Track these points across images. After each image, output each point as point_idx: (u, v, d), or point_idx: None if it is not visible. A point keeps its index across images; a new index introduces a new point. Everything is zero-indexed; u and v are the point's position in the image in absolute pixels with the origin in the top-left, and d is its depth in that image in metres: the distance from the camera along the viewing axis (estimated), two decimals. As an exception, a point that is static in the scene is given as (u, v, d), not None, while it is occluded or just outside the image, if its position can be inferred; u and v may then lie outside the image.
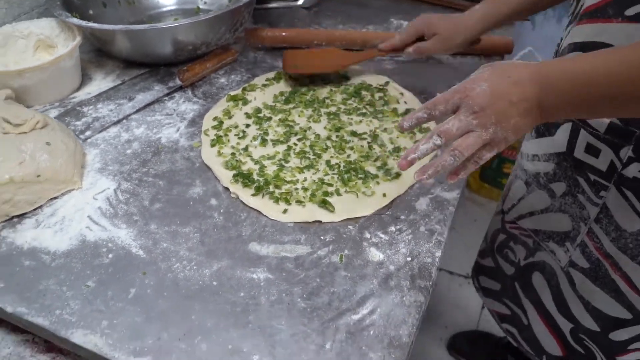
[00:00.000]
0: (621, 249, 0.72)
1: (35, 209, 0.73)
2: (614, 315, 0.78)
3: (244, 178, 0.76)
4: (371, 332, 0.59)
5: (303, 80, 0.96)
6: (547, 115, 0.57)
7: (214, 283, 0.64)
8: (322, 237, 0.70)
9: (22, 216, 0.72)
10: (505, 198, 0.94)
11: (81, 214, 0.73)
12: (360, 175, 0.77)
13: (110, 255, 0.67)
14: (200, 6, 1.17)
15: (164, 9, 1.16)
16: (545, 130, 0.80)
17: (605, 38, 0.62)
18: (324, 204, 0.72)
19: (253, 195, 0.74)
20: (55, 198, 0.75)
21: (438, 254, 0.68)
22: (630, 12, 0.59)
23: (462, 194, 0.78)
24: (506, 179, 1.91)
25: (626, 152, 0.66)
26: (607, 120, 0.67)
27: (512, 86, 0.57)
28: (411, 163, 0.61)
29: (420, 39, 0.89)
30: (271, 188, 0.75)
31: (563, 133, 0.75)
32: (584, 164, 0.73)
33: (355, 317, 0.61)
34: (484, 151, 0.60)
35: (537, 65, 0.57)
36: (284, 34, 1.04)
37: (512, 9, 0.82)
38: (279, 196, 0.73)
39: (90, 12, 1.04)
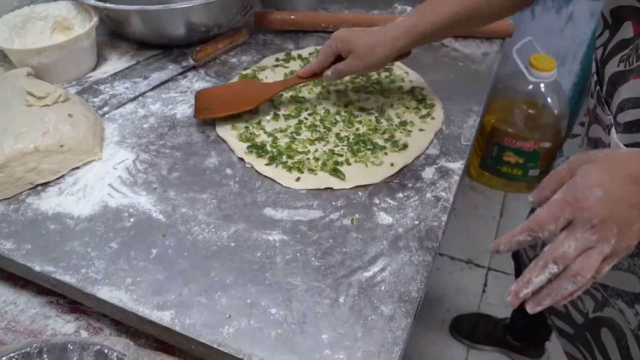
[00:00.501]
0: None
1: (58, 178, 0.76)
2: None
3: (258, 149, 0.79)
4: (382, 288, 0.63)
5: (311, 60, 0.99)
6: None
7: (232, 244, 0.67)
8: (333, 203, 0.73)
9: (45, 185, 0.76)
10: None
11: (102, 182, 0.76)
12: (369, 147, 0.80)
13: (131, 219, 0.70)
14: (210, -9, 1.19)
15: (176, -6, 1.19)
16: None
17: None
18: (335, 172, 0.76)
19: (267, 164, 0.77)
20: (77, 168, 0.78)
21: (444, 218, 0.71)
22: None
23: (466, 166, 0.82)
24: (506, 167, 1.95)
25: None
26: None
27: (631, 186, 0.48)
28: (524, 299, 0.50)
29: (338, 59, 0.83)
30: (284, 158, 0.78)
31: None
32: None
33: (367, 274, 0.64)
34: (604, 264, 0.49)
35: None
36: (292, 17, 1.07)
37: (441, 21, 0.76)
38: (292, 165, 0.77)
39: (105, -5, 1.07)
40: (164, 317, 0.59)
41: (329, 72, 0.83)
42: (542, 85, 1.77)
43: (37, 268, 0.65)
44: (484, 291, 1.72)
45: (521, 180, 1.97)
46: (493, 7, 0.75)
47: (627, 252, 0.50)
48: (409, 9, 1.18)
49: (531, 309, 0.50)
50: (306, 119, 0.86)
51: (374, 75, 0.95)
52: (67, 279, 0.64)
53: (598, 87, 0.69)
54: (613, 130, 0.63)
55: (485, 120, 1.91)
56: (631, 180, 0.48)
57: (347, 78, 0.95)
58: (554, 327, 0.94)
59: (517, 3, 0.75)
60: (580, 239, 0.48)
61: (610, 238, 0.48)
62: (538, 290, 0.49)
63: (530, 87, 1.79)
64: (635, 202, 0.48)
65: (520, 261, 0.95)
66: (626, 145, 0.61)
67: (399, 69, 0.98)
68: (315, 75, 0.86)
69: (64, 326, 0.67)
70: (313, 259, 0.66)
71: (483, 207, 1.98)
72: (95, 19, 0.94)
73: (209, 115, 0.85)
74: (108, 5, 0.94)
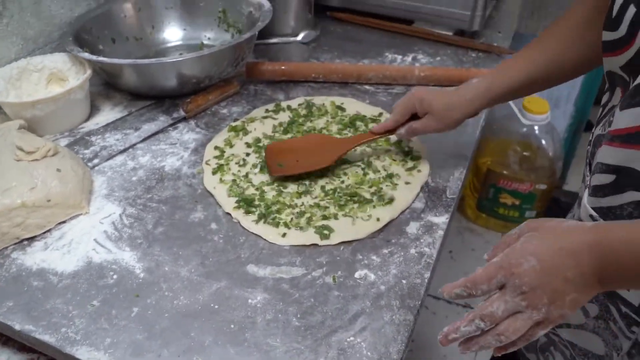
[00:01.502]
0: None
1: (44, 233, 0.77)
2: None
3: (247, 204, 0.79)
4: (362, 349, 0.62)
5: (300, 112, 1.01)
6: (607, 287, 0.51)
7: (213, 302, 0.67)
8: (316, 260, 0.73)
9: (31, 239, 0.76)
10: None
11: (88, 237, 0.76)
12: (356, 200, 0.81)
13: (114, 276, 0.71)
14: (204, 42, 1.22)
15: (170, 45, 1.22)
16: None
17: (638, 165, 0.55)
18: (321, 229, 0.76)
19: (254, 221, 0.77)
20: (64, 222, 0.79)
21: (427, 275, 0.71)
22: None
23: (451, 220, 0.82)
24: (503, 209, 1.95)
25: None
26: None
27: (567, 259, 0.50)
28: (453, 342, 0.56)
29: (413, 117, 0.84)
30: (273, 214, 0.78)
31: None
32: (614, 293, 0.64)
33: (347, 334, 0.64)
34: (537, 329, 0.53)
35: (595, 232, 0.50)
36: (283, 67, 1.09)
37: (514, 84, 0.76)
38: (279, 221, 0.77)
39: (100, 47, 1.10)
40: (141, 380, 0.59)
41: (402, 131, 0.85)
42: (536, 127, 1.79)
43: (17, 327, 0.65)
44: (481, 335, 1.69)
45: (518, 221, 1.95)
46: (566, 69, 0.74)
47: (563, 320, 0.52)
48: (399, 57, 1.20)
49: (460, 351, 0.56)
50: (293, 171, 0.87)
51: (362, 127, 0.96)
52: (47, 338, 0.63)
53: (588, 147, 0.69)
54: (586, 191, 0.64)
55: (481, 162, 1.92)
56: (567, 253, 0.50)
57: (334, 129, 0.96)
58: None
59: (587, 65, 0.74)
60: (510, 302, 0.51)
61: (540, 306, 0.50)
62: (472, 337, 0.54)
63: (525, 129, 1.80)
64: (569, 276, 0.49)
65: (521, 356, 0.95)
66: (593, 209, 0.62)
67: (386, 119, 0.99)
68: (388, 132, 0.87)
69: (43, 385, 0.67)
70: (294, 318, 0.65)
71: (480, 249, 1.97)
72: (88, 72, 0.96)
73: (284, 172, 0.85)
74: (102, 59, 0.97)
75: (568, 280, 0.50)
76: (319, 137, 0.93)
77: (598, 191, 0.60)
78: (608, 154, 0.58)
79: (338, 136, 0.94)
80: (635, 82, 0.55)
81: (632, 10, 0.54)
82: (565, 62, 0.73)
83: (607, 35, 0.58)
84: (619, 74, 0.60)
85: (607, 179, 0.59)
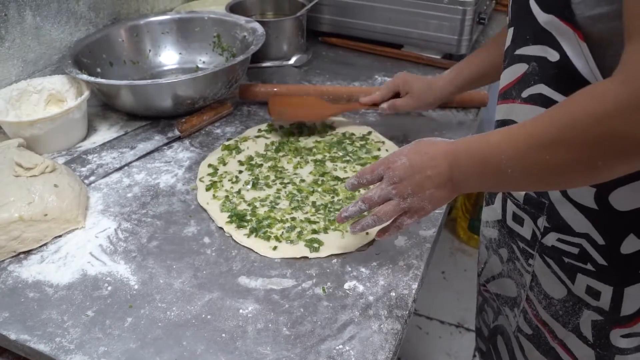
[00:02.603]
0: (553, 316, 0.73)
1: (41, 246, 0.79)
2: None
3: (239, 219, 0.82)
4: (351, 357, 0.64)
5: (292, 131, 1.04)
6: (459, 188, 0.63)
7: (205, 313, 0.69)
8: (307, 271, 0.75)
9: (28, 252, 0.78)
10: (478, 259, 0.95)
11: (83, 250, 0.78)
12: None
13: (109, 288, 0.72)
14: (199, 65, 1.26)
15: (166, 68, 1.25)
16: (489, 198, 0.83)
17: (514, 116, 0.68)
18: (311, 242, 0.78)
19: (246, 235, 0.80)
20: (60, 236, 0.80)
21: (414, 286, 0.73)
22: (524, 94, 0.64)
23: (439, 233, 0.84)
24: (494, 230, 1.97)
25: (542, 221, 0.69)
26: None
27: (429, 161, 0.63)
28: (345, 220, 0.72)
29: (396, 96, 1.01)
30: (264, 228, 0.80)
31: (498, 202, 0.79)
32: (513, 232, 0.75)
33: (336, 343, 0.65)
34: (404, 217, 0.68)
35: (451, 143, 0.64)
36: (275, 89, 1.13)
37: (474, 73, 0.94)
38: (270, 235, 0.79)
39: (98, 70, 1.13)
40: (134, 387, 0.60)
41: (385, 105, 1.01)
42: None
43: (13, 336, 0.66)
44: (474, 355, 1.70)
45: (509, 242, 1.98)
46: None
47: (425, 213, 0.67)
48: (388, 79, 1.23)
49: (350, 230, 0.72)
50: (284, 186, 0.89)
51: (349, 147, 0.99)
52: (42, 347, 0.65)
53: None
54: None
55: (472, 184, 1.94)
56: (429, 157, 0.63)
57: (324, 147, 0.99)
58: (477, 350, 1.03)
59: None
60: (384, 190, 0.66)
61: (406, 196, 0.65)
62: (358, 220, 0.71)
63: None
64: (429, 174, 0.63)
65: (475, 330, 1.02)
66: None
67: (376, 138, 1.02)
68: (374, 104, 1.03)
69: (37, 395, 0.68)
70: (284, 328, 0.67)
71: (472, 269, 1.98)
72: (86, 93, 0.99)
73: (284, 116, 1.03)
74: (99, 80, 1.00)
75: (428, 177, 0.63)
76: (315, 99, 1.09)
77: None
78: (498, 112, 0.73)
79: (327, 154, 0.97)
80: (505, 46, 0.68)
81: None
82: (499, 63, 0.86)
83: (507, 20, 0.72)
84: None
85: None
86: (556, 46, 0.58)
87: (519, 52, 0.64)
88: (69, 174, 0.86)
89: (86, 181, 0.91)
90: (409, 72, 1.02)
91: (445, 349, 1.72)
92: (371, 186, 0.71)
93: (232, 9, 1.31)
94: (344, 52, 1.38)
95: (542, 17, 0.58)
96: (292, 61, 1.30)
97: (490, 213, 0.83)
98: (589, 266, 0.66)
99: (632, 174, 0.54)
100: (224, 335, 0.66)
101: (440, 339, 1.75)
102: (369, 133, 1.04)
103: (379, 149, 0.99)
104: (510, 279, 0.80)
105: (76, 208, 0.81)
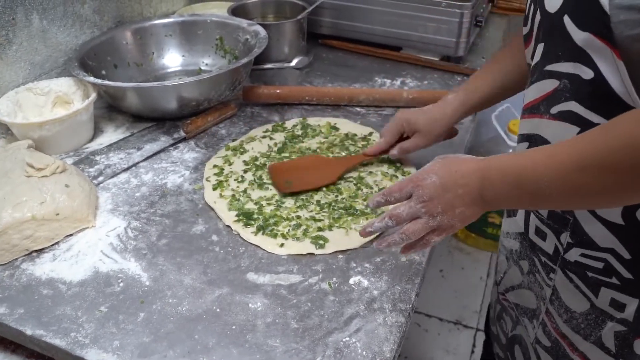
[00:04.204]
0: (574, 329, 0.73)
1: (52, 245, 0.81)
2: None
3: (246, 218, 0.84)
4: (357, 349, 0.66)
5: (295, 133, 1.06)
6: (489, 206, 0.63)
7: (215, 307, 0.71)
8: (313, 267, 0.77)
9: (40, 251, 0.80)
10: (496, 269, 0.95)
11: (94, 248, 0.80)
12: (351, 211, 0.85)
13: (121, 284, 0.74)
14: (202, 67, 1.28)
15: (169, 70, 1.27)
16: (510, 210, 0.83)
17: (541, 132, 0.67)
18: (317, 239, 0.80)
19: (253, 232, 0.82)
20: (71, 235, 0.82)
21: (417, 280, 0.75)
22: (553, 110, 0.64)
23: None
24: (492, 228, 2.00)
25: (565, 237, 0.69)
26: None
27: (460, 179, 0.63)
28: (369, 234, 0.72)
29: (402, 136, 0.94)
30: (270, 227, 0.83)
31: (520, 214, 0.78)
32: (535, 246, 0.75)
33: (343, 335, 0.67)
34: (432, 235, 0.67)
35: (482, 160, 0.63)
36: (278, 91, 1.15)
37: (484, 96, 0.88)
38: (277, 232, 0.82)
39: (103, 72, 1.15)
40: (149, 379, 0.62)
41: (395, 151, 0.94)
42: (521, 149, 1.85)
43: (29, 332, 0.68)
44: (472, 352, 1.72)
45: (506, 241, 2.01)
46: (517, 81, 0.83)
47: (452, 231, 0.66)
48: (388, 81, 1.26)
49: (376, 246, 0.71)
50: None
51: (352, 147, 1.02)
52: (57, 342, 0.67)
53: None
54: None
55: (469, 183, 1.97)
56: (460, 175, 0.63)
57: (326, 148, 1.01)
58: (496, 356, 1.01)
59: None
60: (413, 208, 0.65)
61: (435, 214, 0.64)
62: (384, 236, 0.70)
63: (510, 150, 1.86)
64: (460, 193, 0.63)
65: (491, 335, 1.01)
66: None
67: (377, 138, 1.04)
68: (381, 153, 0.95)
69: (52, 389, 0.70)
70: (292, 321, 0.69)
71: (470, 268, 2.01)
72: (93, 95, 1.01)
73: (293, 189, 0.90)
74: (106, 82, 1.02)
75: (458, 196, 0.63)
76: (316, 157, 0.99)
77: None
78: (522, 126, 0.72)
79: (331, 155, 1.00)
80: (533, 62, 0.67)
81: (533, 7, 0.66)
82: (515, 76, 0.83)
83: (523, 30, 0.71)
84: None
85: (523, 146, 0.72)
86: (591, 64, 0.57)
87: (549, 67, 0.63)
88: (79, 174, 0.88)
89: (94, 182, 0.93)
90: (407, 110, 0.94)
91: (444, 345, 1.74)
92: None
93: (234, 12, 1.33)
94: (343, 55, 1.40)
95: (578, 35, 0.57)
96: (293, 63, 1.32)
97: (511, 224, 0.82)
98: (613, 280, 0.66)
99: None
100: (234, 328, 0.68)
101: (439, 336, 1.77)
102: (370, 134, 1.06)
103: (380, 149, 1.01)
104: (530, 291, 0.80)
105: (87, 207, 0.83)
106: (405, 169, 0.96)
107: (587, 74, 0.58)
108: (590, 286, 0.68)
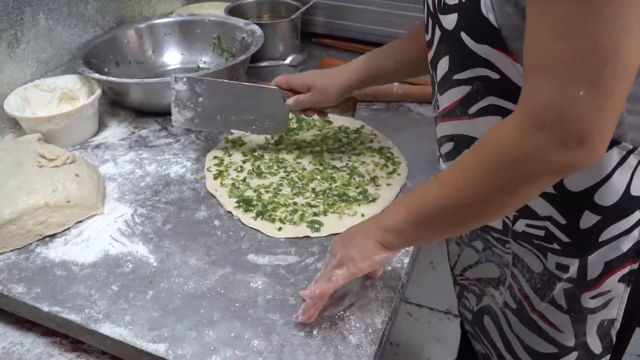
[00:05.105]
0: (533, 289, 0.79)
1: (64, 230, 0.86)
2: (544, 352, 0.83)
3: (246, 204, 0.89)
4: (351, 321, 0.72)
5: (291, 125, 1.12)
6: (388, 234, 0.67)
7: (219, 286, 0.76)
8: (309, 249, 0.83)
9: (53, 236, 0.85)
10: (449, 255, 1.01)
11: (104, 233, 0.85)
12: (344, 198, 0.91)
13: (130, 265, 0.80)
14: (200, 65, 1.33)
15: (169, 68, 1.33)
16: None
17: (463, 131, 0.73)
18: (312, 223, 0.86)
19: (253, 217, 0.87)
20: (81, 221, 0.87)
21: (406, 260, 0.81)
22: (471, 110, 0.69)
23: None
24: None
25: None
26: None
27: (356, 229, 0.72)
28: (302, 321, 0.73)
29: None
30: (269, 212, 0.88)
31: None
32: (485, 226, 0.80)
33: (337, 309, 0.73)
34: (335, 270, 0.69)
35: (374, 219, 0.73)
36: (274, 87, 1.20)
37: (387, 68, 0.93)
38: (275, 217, 0.87)
39: (106, 69, 1.20)
40: (159, 349, 0.68)
41: (290, 102, 0.97)
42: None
43: (46, 309, 0.73)
44: (461, 340, 1.78)
45: (494, 233, 2.07)
46: (415, 65, 0.91)
47: (354, 266, 0.68)
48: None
49: (297, 320, 0.71)
50: (287, 174, 0.97)
51: (344, 139, 1.07)
52: (73, 317, 0.72)
53: None
54: (440, 160, 0.83)
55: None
56: (357, 226, 0.73)
57: (321, 140, 1.07)
58: (467, 333, 1.08)
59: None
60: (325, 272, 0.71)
61: (335, 252, 0.70)
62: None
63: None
64: (358, 229, 0.72)
65: (465, 320, 1.08)
66: None
67: (368, 131, 1.10)
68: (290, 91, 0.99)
69: (66, 363, 0.75)
70: (291, 298, 0.75)
71: (460, 260, 2.07)
72: (99, 91, 1.06)
73: None
74: (111, 78, 1.07)
75: (357, 231, 0.71)
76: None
77: (447, 157, 0.79)
78: (443, 129, 0.78)
79: (325, 146, 1.05)
80: (442, 74, 0.71)
81: (432, 22, 0.72)
82: (413, 60, 0.90)
83: (425, 36, 0.76)
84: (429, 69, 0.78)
85: (449, 146, 0.77)
86: (494, 68, 0.63)
87: (457, 77, 0.69)
88: (87, 164, 0.93)
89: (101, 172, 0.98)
90: (310, 71, 1.01)
91: (435, 334, 1.80)
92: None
93: (231, 12, 1.38)
94: (336, 52, 1.46)
95: (477, 48, 0.63)
96: (287, 61, 1.38)
97: None
98: (555, 245, 0.73)
99: None
100: (237, 304, 0.74)
101: (429, 325, 1.83)
102: (362, 127, 1.12)
103: (371, 141, 1.07)
104: (490, 263, 0.87)
105: (95, 195, 0.88)
106: (396, 159, 1.01)
107: (494, 75, 0.64)
108: (539, 251, 0.76)
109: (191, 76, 0.99)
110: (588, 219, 0.69)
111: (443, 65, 0.71)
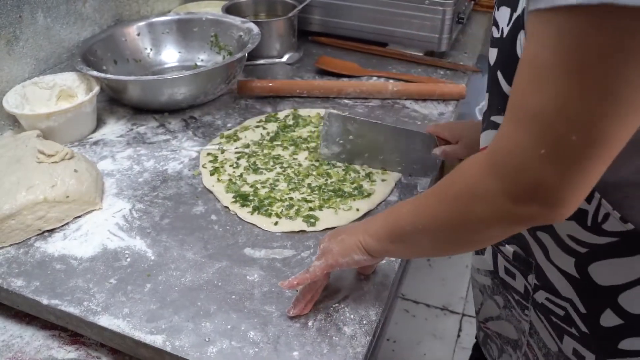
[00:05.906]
0: None
1: (62, 225, 0.87)
2: None
3: (243, 199, 0.91)
4: (345, 313, 0.73)
5: (287, 123, 1.13)
6: (368, 236, 0.68)
7: (216, 279, 0.78)
8: (304, 243, 0.84)
9: (51, 231, 0.86)
10: (474, 300, 0.95)
11: (102, 228, 0.86)
12: (339, 193, 0.92)
13: (128, 259, 0.81)
14: (198, 63, 1.35)
15: (167, 66, 1.34)
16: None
17: None
18: (308, 218, 0.87)
19: (249, 212, 0.89)
20: (80, 217, 0.89)
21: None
22: None
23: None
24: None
25: (532, 279, 0.70)
26: (511, 249, 0.72)
27: (343, 230, 0.73)
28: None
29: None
30: (265, 207, 0.89)
31: (488, 254, 0.79)
32: (507, 284, 0.76)
33: (332, 302, 0.74)
34: (315, 262, 0.71)
35: (363, 223, 0.72)
36: (270, 84, 1.21)
37: None
38: (271, 212, 0.88)
39: (104, 67, 1.21)
40: (157, 340, 0.69)
41: (437, 152, 0.96)
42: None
43: (45, 302, 0.74)
44: (458, 336, 1.80)
45: (491, 231, 2.08)
46: None
47: (331, 256, 0.69)
48: (374, 77, 1.33)
49: (289, 314, 0.72)
50: (284, 170, 0.98)
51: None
52: (72, 310, 0.73)
53: None
54: None
55: (454, 175, 2.04)
56: (344, 227, 0.74)
57: (316, 136, 1.08)
58: None
59: None
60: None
61: (320, 243, 0.73)
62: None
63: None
64: (345, 228, 0.73)
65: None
66: None
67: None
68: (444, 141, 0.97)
69: (65, 356, 0.76)
70: (286, 291, 0.76)
71: (456, 256, 2.08)
72: (97, 88, 1.07)
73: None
74: (109, 76, 1.08)
75: (343, 229, 0.73)
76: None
77: None
78: None
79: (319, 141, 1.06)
80: (485, 110, 0.67)
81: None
82: None
83: None
84: None
85: None
86: None
87: (493, 119, 0.64)
88: (86, 160, 0.94)
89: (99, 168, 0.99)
90: (469, 121, 0.98)
91: (431, 330, 1.82)
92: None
93: (228, 10, 1.39)
94: (332, 50, 1.47)
95: (509, 91, 0.57)
96: (284, 59, 1.39)
97: (480, 262, 0.83)
98: (573, 330, 0.67)
99: (611, 250, 0.57)
100: (233, 297, 0.75)
101: (426, 321, 1.85)
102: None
103: (367, 137, 1.08)
104: (509, 323, 0.82)
105: (94, 191, 0.90)
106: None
107: None
108: (555, 330, 0.70)
109: (345, 115, 0.99)
110: (610, 319, 0.62)
111: (485, 102, 0.67)
